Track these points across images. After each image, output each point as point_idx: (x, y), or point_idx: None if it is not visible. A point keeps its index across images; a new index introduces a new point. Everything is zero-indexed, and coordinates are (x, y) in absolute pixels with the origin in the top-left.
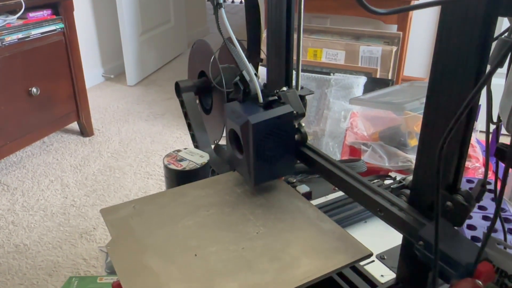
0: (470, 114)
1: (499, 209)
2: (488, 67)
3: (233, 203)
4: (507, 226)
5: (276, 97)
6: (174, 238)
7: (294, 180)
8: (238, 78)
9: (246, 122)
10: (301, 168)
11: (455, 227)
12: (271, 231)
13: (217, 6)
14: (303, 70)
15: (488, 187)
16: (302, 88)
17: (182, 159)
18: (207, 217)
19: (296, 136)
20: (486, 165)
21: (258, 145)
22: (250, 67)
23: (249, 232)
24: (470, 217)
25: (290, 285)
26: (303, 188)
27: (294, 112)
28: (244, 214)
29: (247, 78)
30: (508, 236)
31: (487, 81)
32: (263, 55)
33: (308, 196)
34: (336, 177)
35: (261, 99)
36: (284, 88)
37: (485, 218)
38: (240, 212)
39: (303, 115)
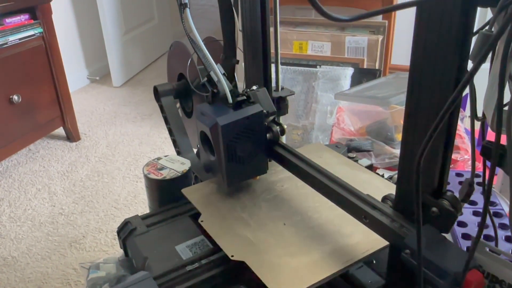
0: (453, 115)
1: (487, 207)
2: (469, 63)
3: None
4: (498, 220)
5: (245, 97)
6: (259, 211)
7: (355, 155)
8: (205, 79)
9: (215, 124)
10: None
11: (443, 233)
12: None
13: (181, 6)
14: (289, 64)
15: (478, 180)
16: (282, 88)
17: (162, 168)
18: (283, 191)
19: (268, 135)
20: (473, 165)
21: (228, 146)
22: (217, 67)
23: (327, 201)
24: (461, 213)
25: (380, 244)
26: (365, 162)
27: (264, 111)
28: None
29: (215, 79)
30: (500, 232)
31: (468, 83)
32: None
33: (370, 168)
34: (312, 178)
35: (230, 100)
36: (254, 87)
37: (476, 213)
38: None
39: (274, 113)
